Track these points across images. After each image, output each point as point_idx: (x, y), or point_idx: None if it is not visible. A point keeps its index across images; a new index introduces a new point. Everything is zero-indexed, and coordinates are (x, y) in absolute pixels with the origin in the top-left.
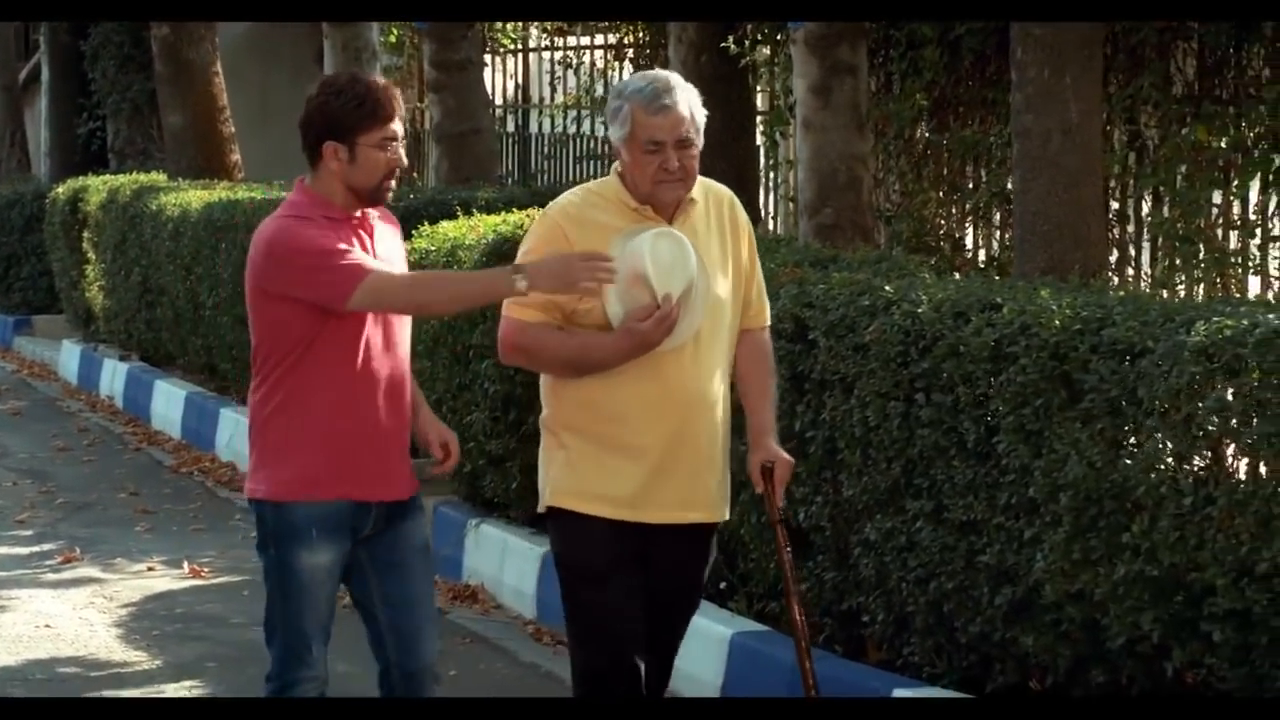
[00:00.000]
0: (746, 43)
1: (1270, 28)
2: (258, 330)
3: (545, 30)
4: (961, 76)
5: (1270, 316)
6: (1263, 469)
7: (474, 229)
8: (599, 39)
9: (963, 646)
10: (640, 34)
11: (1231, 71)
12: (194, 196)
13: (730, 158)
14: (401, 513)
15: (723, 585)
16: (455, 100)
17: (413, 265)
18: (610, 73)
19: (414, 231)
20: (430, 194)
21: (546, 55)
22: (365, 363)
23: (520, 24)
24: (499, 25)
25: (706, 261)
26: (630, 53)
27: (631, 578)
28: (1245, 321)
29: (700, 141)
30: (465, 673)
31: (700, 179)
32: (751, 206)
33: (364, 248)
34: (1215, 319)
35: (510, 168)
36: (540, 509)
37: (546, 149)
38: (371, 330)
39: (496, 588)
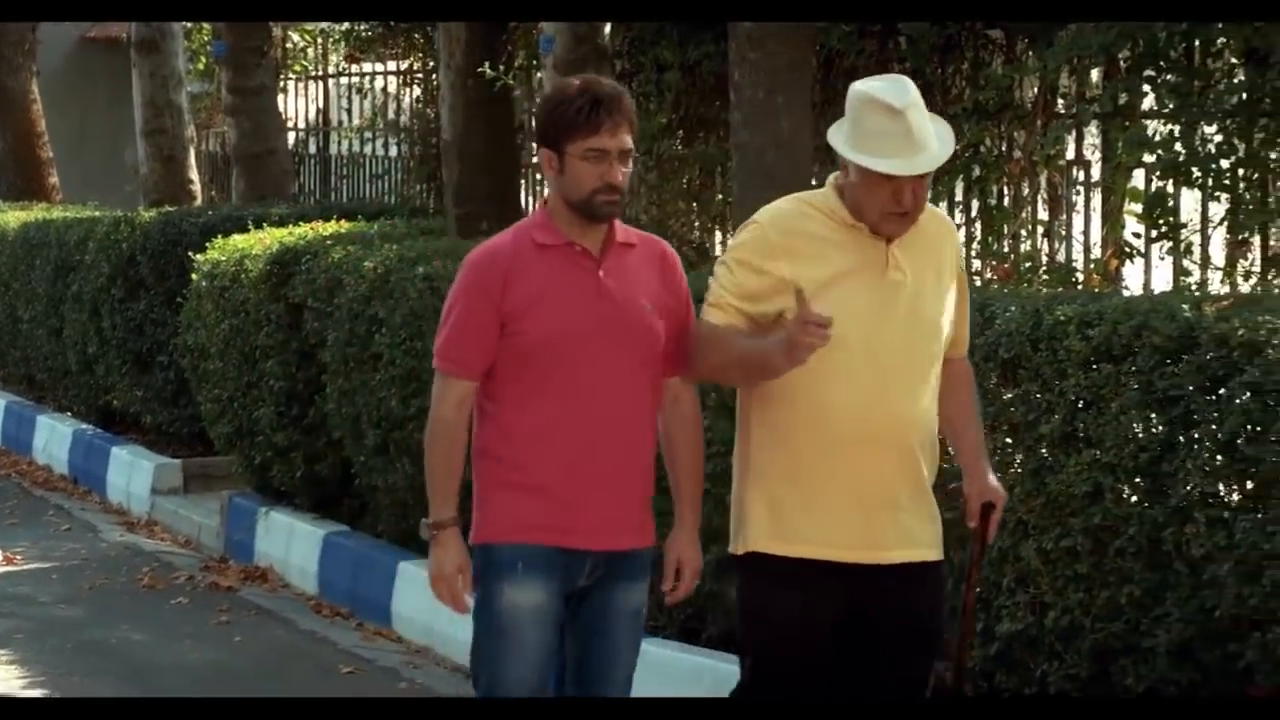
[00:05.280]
0: (501, 68)
1: (972, 52)
2: None
3: (343, 58)
4: (704, 95)
5: None
6: None
7: (261, 241)
8: (391, 65)
9: (681, 601)
10: (427, 60)
11: (938, 91)
12: (12, 217)
13: (495, 174)
14: (623, 571)
15: None
16: (251, 123)
17: (203, 275)
18: (401, 97)
19: (209, 244)
20: (228, 211)
21: (345, 81)
22: (571, 401)
23: (319, 51)
24: (295, 52)
25: (918, 287)
26: (420, 77)
27: (828, 632)
28: None
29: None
30: (249, 639)
31: None
32: (517, 218)
33: (566, 281)
34: None
35: (313, 186)
36: (736, 551)
37: (344, 169)
38: (581, 369)
39: (284, 568)
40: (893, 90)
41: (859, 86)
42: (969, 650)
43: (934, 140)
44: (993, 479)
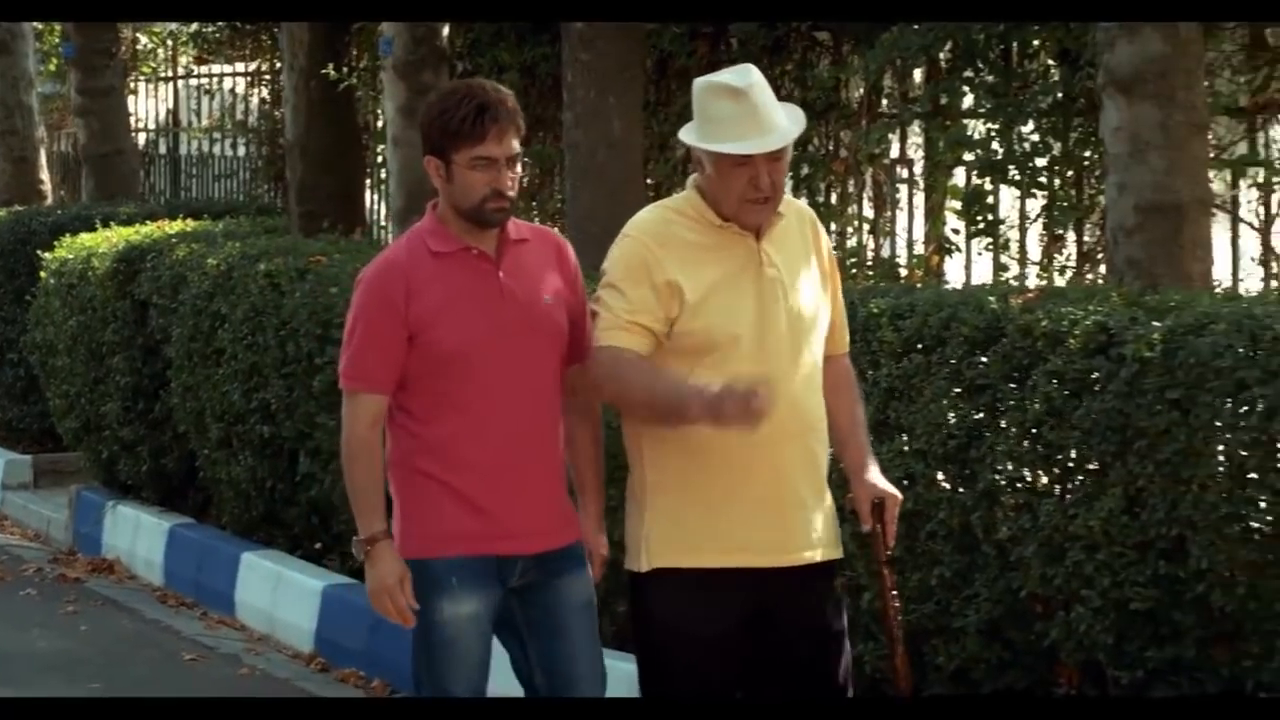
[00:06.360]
0: (344, 69)
1: (799, 53)
2: None
3: (192, 60)
4: (542, 96)
5: None
6: None
7: (108, 239)
8: (239, 66)
9: None
10: (274, 62)
11: None
12: None
13: (338, 172)
14: (560, 566)
15: (318, 546)
16: (100, 124)
17: (51, 273)
18: (250, 98)
19: (57, 243)
20: (77, 210)
21: (195, 82)
22: (485, 407)
23: (168, 53)
24: (144, 54)
25: (792, 279)
26: (267, 79)
27: (741, 643)
28: None
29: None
30: (96, 628)
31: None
32: (359, 217)
33: (469, 287)
34: None
35: (163, 186)
36: (639, 569)
37: (193, 168)
38: (493, 373)
39: (131, 560)
40: (734, 74)
41: (700, 78)
42: (901, 655)
43: (783, 119)
44: (880, 479)
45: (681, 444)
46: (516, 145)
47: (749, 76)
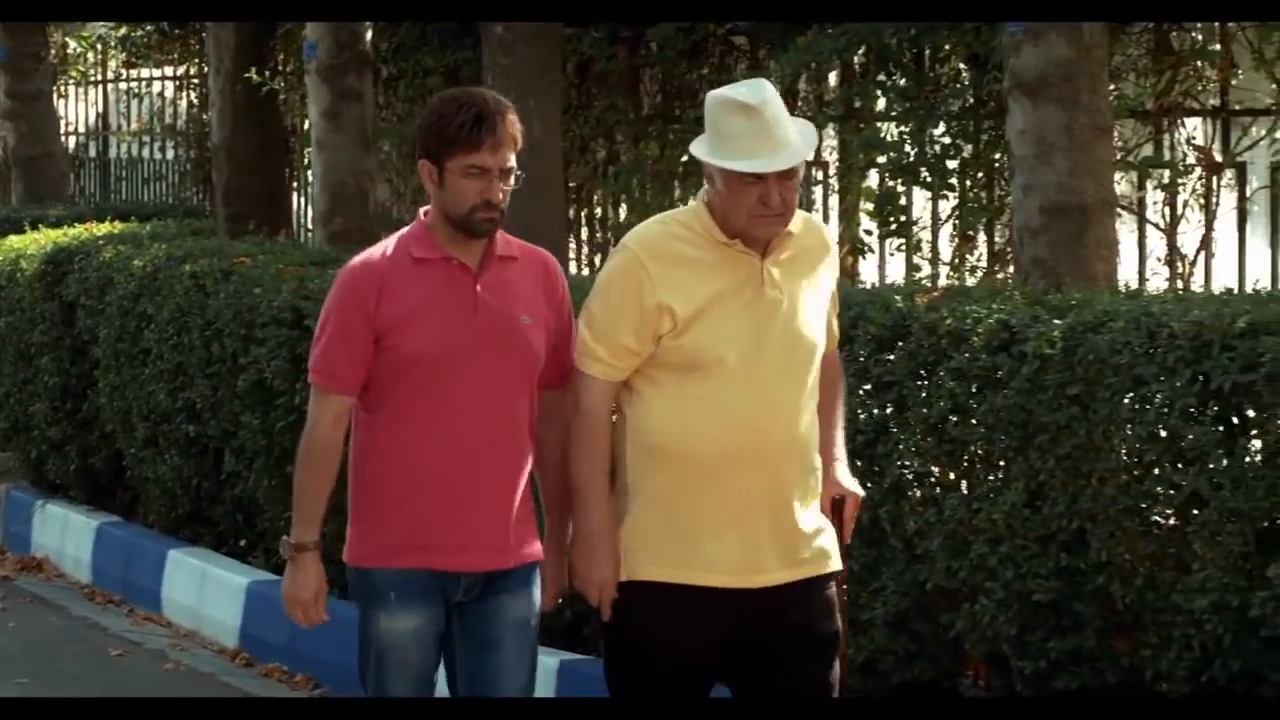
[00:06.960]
0: (269, 73)
1: (717, 57)
2: None
3: (121, 64)
4: None
5: None
6: None
7: (36, 241)
8: (168, 70)
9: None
10: (202, 66)
11: (686, 96)
12: None
13: (263, 176)
14: (505, 583)
15: (243, 543)
16: (29, 127)
17: None
18: (178, 102)
19: None
20: (5, 212)
21: (124, 86)
22: (445, 418)
23: (98, 56)
24: (74, 58)
25: (794, 301)
26: (196, 82)
27: (714, 658)
28: None
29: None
30: (23, 624)
31: None
32: (285, 219)
33: (443, 296)
34: None
35: (93, 189)
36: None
37: (123, 171)
38: (458, 385)
39: (59, 558)
40: (746, 90)
41: (714, 92)
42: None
43: (795, 136)
44: (846, 477)
45: (660, 458)
46: (512, 159)
47: (762, 92)
